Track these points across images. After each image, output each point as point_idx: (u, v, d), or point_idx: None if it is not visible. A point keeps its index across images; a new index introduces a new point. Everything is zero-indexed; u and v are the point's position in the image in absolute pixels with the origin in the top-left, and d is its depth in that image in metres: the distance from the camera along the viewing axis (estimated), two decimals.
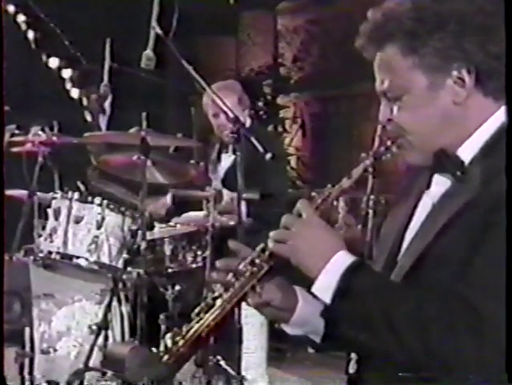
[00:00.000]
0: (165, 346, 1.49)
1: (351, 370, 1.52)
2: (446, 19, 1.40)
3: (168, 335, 1.50)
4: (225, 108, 2.89)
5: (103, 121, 4.76)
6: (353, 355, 1.53)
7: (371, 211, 3.51)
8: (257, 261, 1.47)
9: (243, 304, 1.52)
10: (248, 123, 3.82)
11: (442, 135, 1.45)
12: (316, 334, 1.57)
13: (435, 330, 1.31)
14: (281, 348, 4.28)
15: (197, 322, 1.49)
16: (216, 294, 1.49)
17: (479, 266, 1.32)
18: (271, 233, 1.45)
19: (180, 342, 1.48)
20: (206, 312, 1.49)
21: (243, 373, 3.04)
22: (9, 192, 3.16)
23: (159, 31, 2.83)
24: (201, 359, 3.25)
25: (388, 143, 1.48)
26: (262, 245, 1.48)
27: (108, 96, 4.57)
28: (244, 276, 1.47)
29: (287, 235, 1.43)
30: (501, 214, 1.31)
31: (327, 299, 1.41)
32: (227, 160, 3.89)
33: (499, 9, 1.40)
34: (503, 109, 1.44)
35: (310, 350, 4.46)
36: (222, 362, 3.35)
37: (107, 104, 4.67)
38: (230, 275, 1.49)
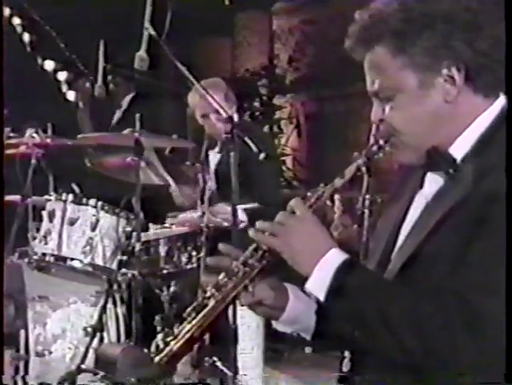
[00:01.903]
0: (157, 346, 1.49)
1: (345, 368, 1.52)
2: (433, 19, 1.41)
3: (160, 336, 1.50)
4: (217, 107, 2.89)
5: (116, 115, 4.72)
6: (347, 354, 1.53)
7: (366, 210, 3.51)
8: (249, 261, 1.47)
9: (238, 305, 1.52)
10: (236, 118, 3.80)
11: (434, 133, 1.46)
12: (307, 331, 1.57)
13: (431, 327, 1.31)
14: (278, 348, 4.27)
15: (189, 323, 1.49)
16: (208, 294, 1.49)
17: (473, 263, 1.32)
18: (261, 224, 1.45)
19: (172, 343, 1.48)
20: (199, 312, 1.48)
21: (240, 373, 3.03)
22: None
23: (152, 32, 2.83)
24: (197, 360, 3.25)
25: (381, 142, 1.48)
26: (254, 245, 1.47)
27: (131, 92, 4.52)
28: (236, 276, 1.47)
29: (280, 230, 1.43)
30: (494, 210, 1.31)
31: (321, 297, 1.41)
32: (214, 157, 3.89)
33: (485, 6, 1.42)
34: (494, 106, 1.45)
35: (307, 351, 4.46)
36: (218, 363, 3.34)
37: (126, 100, 4.61)
38: (223, 275, 1.48)
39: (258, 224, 1.46)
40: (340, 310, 1.41)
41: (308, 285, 1.42)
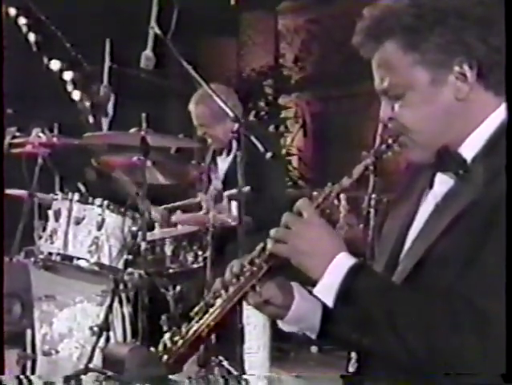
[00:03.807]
0: (164, 345, 1.48)
1: (351, 369, 1.51)
2: (446, 14, 1.39)
3: (167, 335, 1.49)
4: (224, 107, 2.88)
5: (105, 123, 4.76)
6: (353, 355, 1.52)
7: (372, 210, 3.51)
8: (257, 260, 1.46)
9: (245, 304, 1.51)
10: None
11: (445, 131, 1.44)
12: (312, 330, 1.56)
13: (439, 331, 1.30)
14: (284, 348, 4.27)
15: (197, 322, 1.48)
16: (216, 294, 1.49)
17: (483, 267, 1.31)
18: (271, 232, 1.44)
19: (180, 342, 1.47)
20: (206, 311, 1.48)
21: (246, 373, 3.03)
22: (9, 191, 3.15)
23: (158, 31, 2.82)
24: (204, 360, 3.24)
25: (390, 141, 1.46)
26: (261, 245, 1.46)
27: (110, 98, 4.56)
28: (244, 275, 1.47)
29: (287, 235, 1.42)
30: (504, 214, 1.30)
31: (330, 302, 1.39)
32: (224, 162, 3.90)
33: (498, 1, 1.39)
34: (503, 106, 1.43)
35: (314, 350, 4.45)
36: (225, 363, 3.34)
37: (109, 106, 4.66)
38: (230, 275, 1.48)
39: (271, 232, 1.44)
40: (348, 315, 1.40)
41: (316, 291, 1.41)
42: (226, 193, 3.48)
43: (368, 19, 1.44)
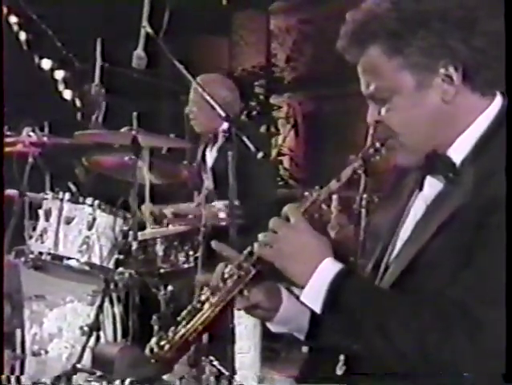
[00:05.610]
0: (151, 350, 1.48)
1: (340, 371, 1.50)
2: (427, 17, 1.39)
3: (154, 340, 1.48)
4: (216, 106, 2.87)
5: (99, 117, 4.75)
6: (341, 357, 1.51)
7: (363, 210, 3.51)
8: (244, 264, 1.46)
9: None
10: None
11: (433, 135, 1.44)
12: (300, 331, 1.56)
13: (431, 336, 1.30)
14: (275, 348, 4.26)
15: (184, 327, 1.48)
16: (203, 298, 1.48)
17: (474, 271, 1.31)
18: (259, 236, 1.44)
19: (166, 347, 1.47)
20: (194, 316, 1.47)
21: (237, 373, 3.03)
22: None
23: (149, 30, 2.82)
24: (194, 360, 3.24)
25: (377, 144, 1.46)
26: (249, 249, 1.46)
27: (103, 95, 4.56)
28: (231, 279, 1.46)
29: (273, 238, 1.41)
30: (495, 217, 1.30)
31: (317, 309, 1.39)
32: (211, 156, 3.89)
33: (479, 2, 1.39)
34: (492, 107, 1.44)
35: (305, 350, 4.45)
36: (216, 363, 3.34)
37: (102, 103, 4.66)
38: (218, 279, 1.47)
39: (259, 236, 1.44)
40: (336, 320, 1.40)
41: (303, 298, 1.41)
42: (219, 203, 3.47)
43: (351, 24, 1.44)
